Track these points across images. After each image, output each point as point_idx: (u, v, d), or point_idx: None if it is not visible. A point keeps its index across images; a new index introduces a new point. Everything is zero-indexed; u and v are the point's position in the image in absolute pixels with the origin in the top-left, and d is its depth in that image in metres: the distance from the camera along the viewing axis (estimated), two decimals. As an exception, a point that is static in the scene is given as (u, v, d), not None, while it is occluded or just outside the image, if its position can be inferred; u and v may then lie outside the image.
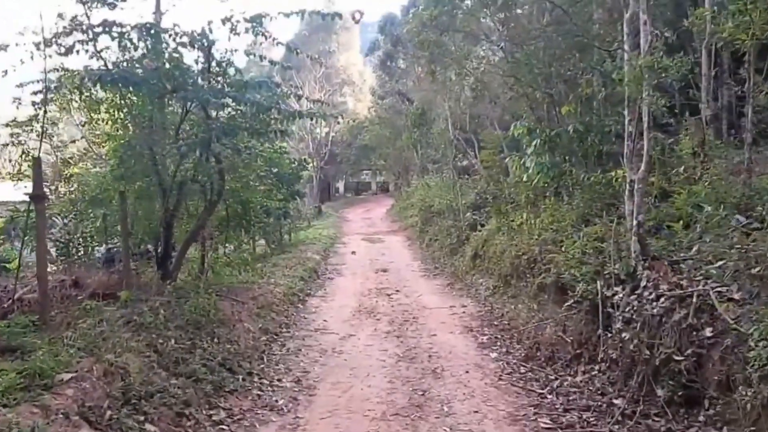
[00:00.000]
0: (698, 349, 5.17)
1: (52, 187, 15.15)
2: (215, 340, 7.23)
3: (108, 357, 5.26)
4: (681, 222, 7.27)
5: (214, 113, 7.53)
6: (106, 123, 9.29)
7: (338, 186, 57.22)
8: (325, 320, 10.37)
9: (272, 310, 10.35)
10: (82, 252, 10.96)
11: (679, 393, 5.23)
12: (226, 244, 12.02)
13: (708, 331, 5.12)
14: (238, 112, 7.80)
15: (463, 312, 10.82)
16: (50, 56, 7.21)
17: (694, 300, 5.43)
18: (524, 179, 10.23)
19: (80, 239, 10.67)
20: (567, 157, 10.02)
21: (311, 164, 41.46)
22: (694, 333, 5.28)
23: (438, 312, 10.91)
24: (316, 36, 56.17)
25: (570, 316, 7.41)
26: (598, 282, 6.87)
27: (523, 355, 7.78)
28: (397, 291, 13.25)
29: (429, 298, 12.31)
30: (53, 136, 15.83)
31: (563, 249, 8.62)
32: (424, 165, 29.49)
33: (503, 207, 14.31)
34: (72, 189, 11.83)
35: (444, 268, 16.28)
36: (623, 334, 5.98)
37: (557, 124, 10.64)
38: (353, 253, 20.48)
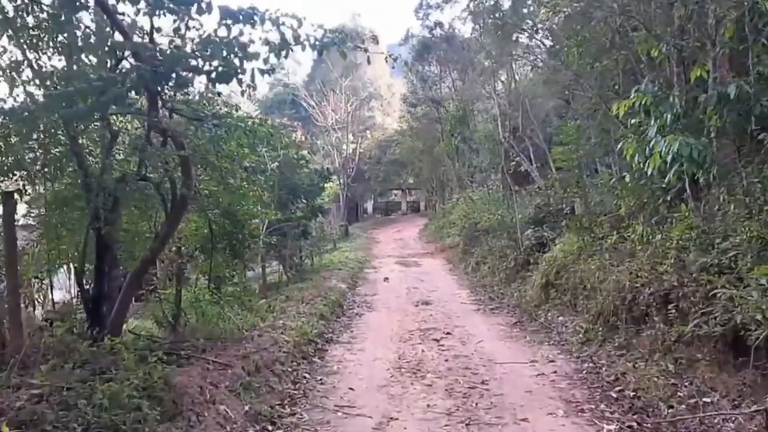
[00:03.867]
0: None
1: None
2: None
3: None
4: None
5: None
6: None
7: (366, 206, 53.95)
8: (351, 388, 6.96)
9: (273, 372, 7.02)
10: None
11: None
12: (216, 274, 8.71)
13: None
14: (180, 31, 4.50)
15: (554, 372, 7.33)
16: None
17: None
18: (649, 171, 6.72)
19: None
20: (714, 138, 6.54)
21: (338, 181, 38.54)
22: None
23: (515, 371, 7.46)
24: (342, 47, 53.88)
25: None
26: None
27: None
28: (448, 333, 9.88)
29: (495, 346, 8.86)
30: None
31: (747, 282, 5.13)
32: (463, 177, 26.15)
33: (584, 220, 10.93)
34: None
35: (502, 300, 12.92)
36: None
37: (686, 93, 7.17)
38: (386, 279, 17.24)
